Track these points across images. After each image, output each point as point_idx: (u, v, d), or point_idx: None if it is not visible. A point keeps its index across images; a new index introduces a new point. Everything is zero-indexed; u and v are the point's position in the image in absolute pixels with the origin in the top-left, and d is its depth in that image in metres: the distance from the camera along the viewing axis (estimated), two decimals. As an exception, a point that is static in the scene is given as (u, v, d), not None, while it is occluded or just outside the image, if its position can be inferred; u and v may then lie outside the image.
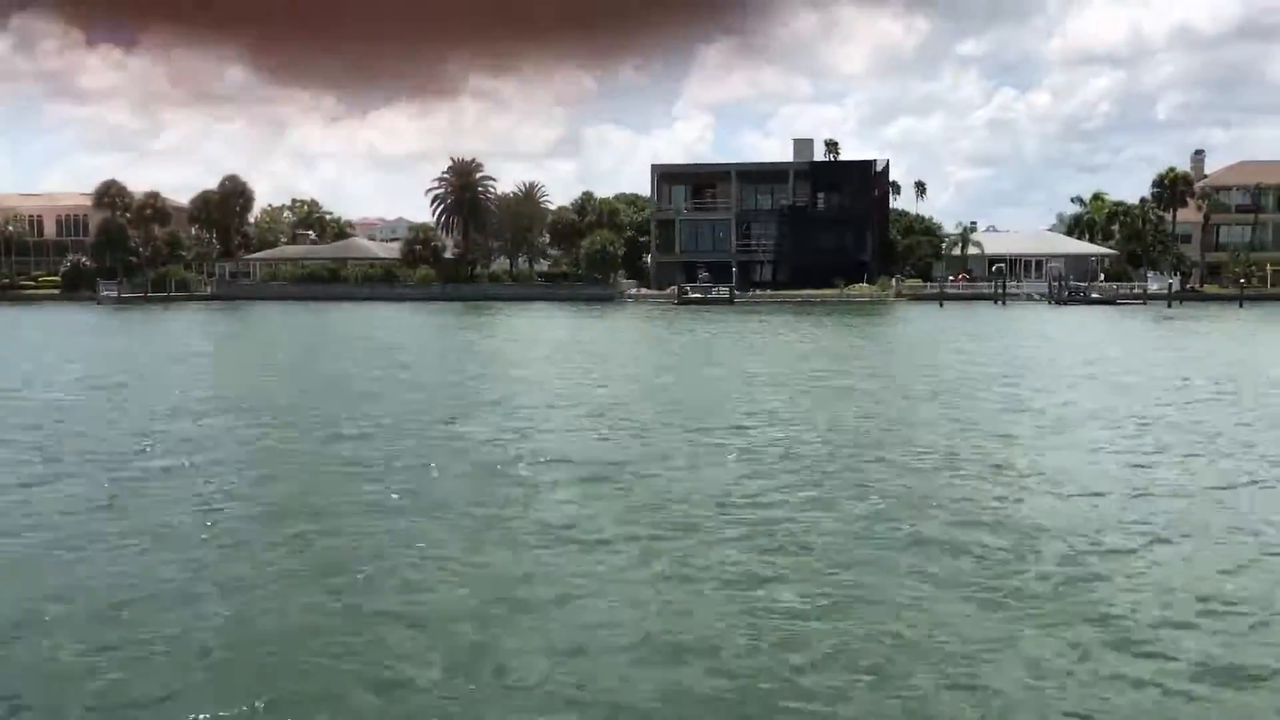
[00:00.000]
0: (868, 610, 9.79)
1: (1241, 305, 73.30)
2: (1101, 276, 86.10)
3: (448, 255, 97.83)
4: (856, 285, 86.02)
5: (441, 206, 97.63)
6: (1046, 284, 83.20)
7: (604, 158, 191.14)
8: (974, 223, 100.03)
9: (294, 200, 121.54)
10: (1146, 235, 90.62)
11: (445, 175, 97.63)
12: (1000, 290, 79.38)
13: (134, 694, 8.09)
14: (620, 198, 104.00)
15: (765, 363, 34.58)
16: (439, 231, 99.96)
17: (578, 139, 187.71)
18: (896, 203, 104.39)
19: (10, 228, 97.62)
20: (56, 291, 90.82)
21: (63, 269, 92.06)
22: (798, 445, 18.19)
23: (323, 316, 66.13)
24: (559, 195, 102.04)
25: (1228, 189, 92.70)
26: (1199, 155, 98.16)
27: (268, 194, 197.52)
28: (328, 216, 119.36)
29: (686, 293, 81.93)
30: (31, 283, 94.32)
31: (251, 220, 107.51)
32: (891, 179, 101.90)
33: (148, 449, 18.14)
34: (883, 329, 54.46)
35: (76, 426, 20.65)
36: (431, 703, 8.01)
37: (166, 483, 15.32)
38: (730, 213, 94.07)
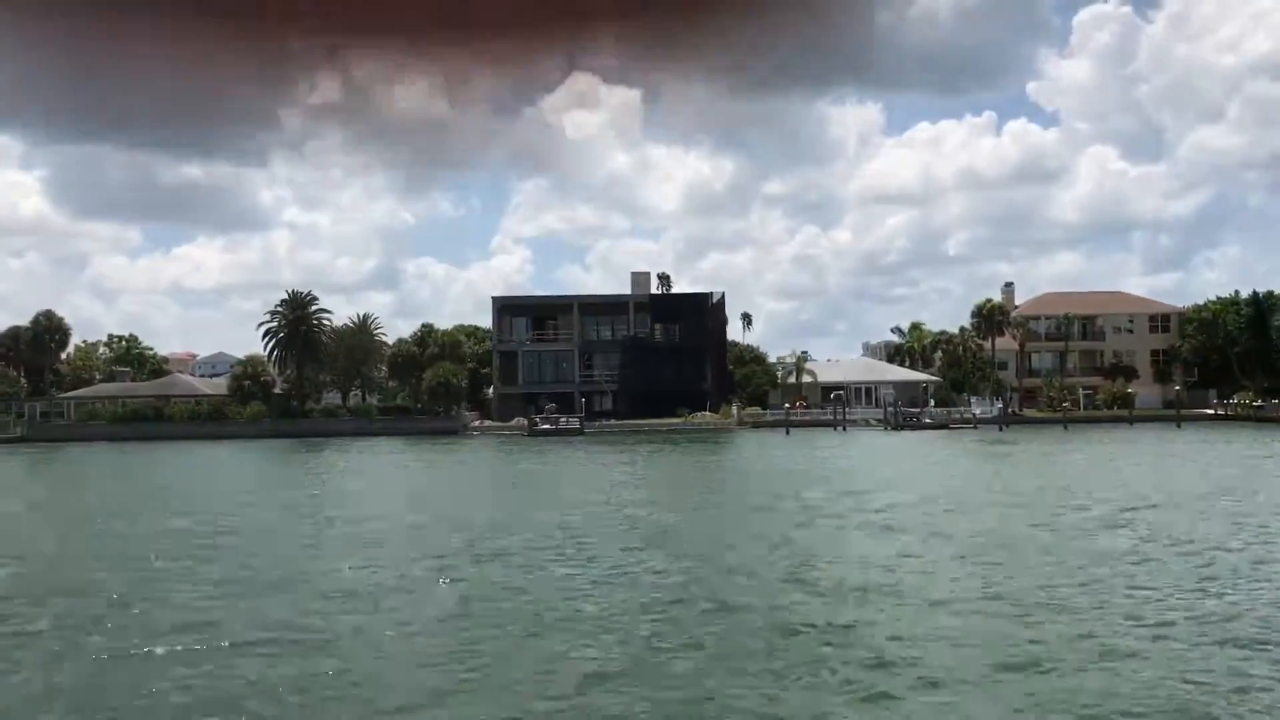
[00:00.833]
0: None
1: (1066, 428, 77.57)
2: (932, 402, 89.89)
3: (277, 391, 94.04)
4: (700, 414, 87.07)
5: (274, 340, 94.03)
6: (882, 410, 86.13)
7: (422, 289, 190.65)
8: (805, 351, 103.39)
9: (111, 336, 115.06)
10: (966, 362, 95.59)
11: (278, 309, 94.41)
12: (841, 416, 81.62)
13: None
14: (459, 329, 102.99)
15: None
16: (270, 365, 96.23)
17: (395, 271, 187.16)
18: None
19: None
20: None
21: None
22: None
23: (158, 457, 61.90)
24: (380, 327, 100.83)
25: (1036, 318, 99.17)
26: (1009, 287, 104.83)
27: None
28: (147, 352, 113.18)
29: (537, 424, 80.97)
30: None
31: (63, 357, 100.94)
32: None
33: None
34: (764, 456, 54.49)
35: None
36: None
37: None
38: (573, 344, 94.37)
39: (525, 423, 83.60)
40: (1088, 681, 12.10)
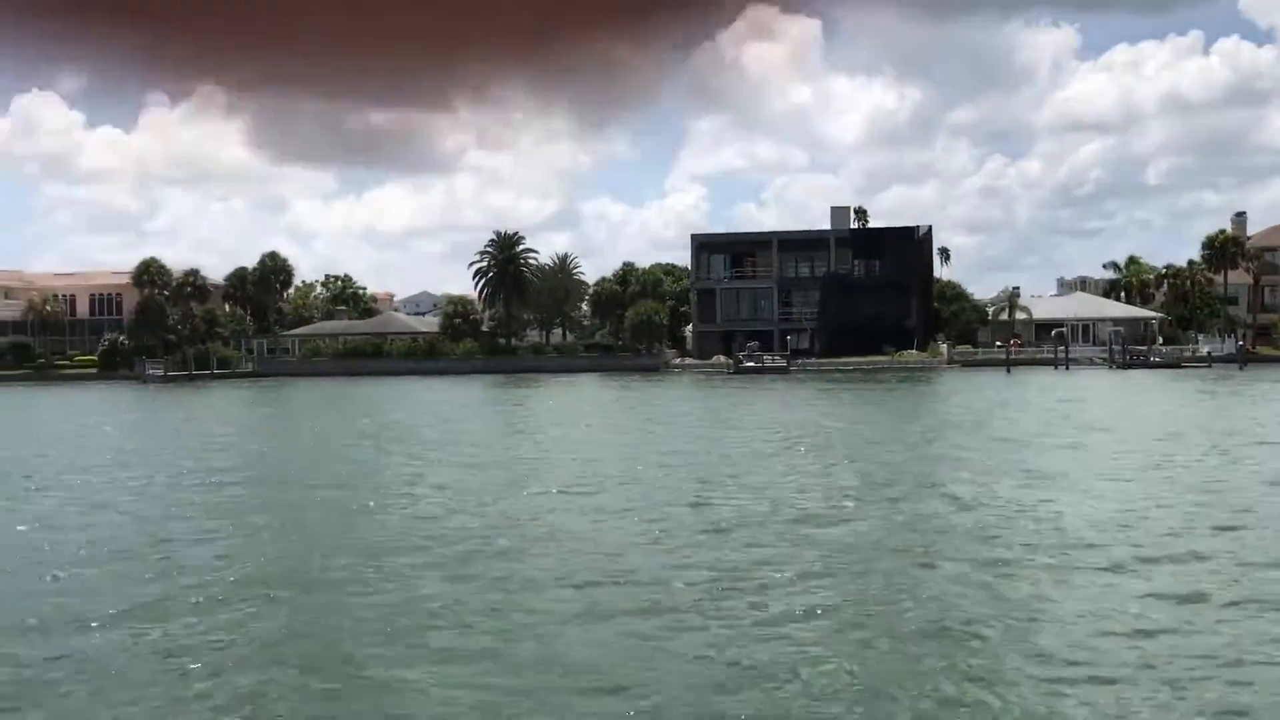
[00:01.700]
0: None
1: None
2: (1160, 340, 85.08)
3: (484, 328, 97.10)
4: (906, 352, 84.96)
5: (483, 279, 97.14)
6: (1107, 348, 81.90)
7: (600, 229, 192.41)
8: (1017, 288, 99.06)
9: (327, 276, 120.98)
10: (1195, 297, 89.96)
11: (488, 249, 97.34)
12: (1063, 355, 78.09)
13: None
14: (657, 267, 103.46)
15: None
16: (478, 303, 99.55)
17: (575, 212, 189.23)
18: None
19: (48, 307, 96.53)
20: (93, 371, 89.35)
21: (100, 347, 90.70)
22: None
23: (406, 391, 63.90)
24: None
25: (1273, 250, 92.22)
26: (1240, 217, 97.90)
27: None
28: (361, 292, 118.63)
29: (741, 362, 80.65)
30: (67, 362, 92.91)
31: (285, 296, 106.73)
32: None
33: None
34: (1016, 396, 50.36)
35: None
36: None
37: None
38: (772, 281, 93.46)
39: (728, 360, 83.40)
40: None
